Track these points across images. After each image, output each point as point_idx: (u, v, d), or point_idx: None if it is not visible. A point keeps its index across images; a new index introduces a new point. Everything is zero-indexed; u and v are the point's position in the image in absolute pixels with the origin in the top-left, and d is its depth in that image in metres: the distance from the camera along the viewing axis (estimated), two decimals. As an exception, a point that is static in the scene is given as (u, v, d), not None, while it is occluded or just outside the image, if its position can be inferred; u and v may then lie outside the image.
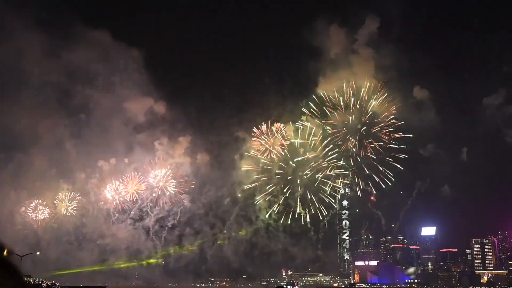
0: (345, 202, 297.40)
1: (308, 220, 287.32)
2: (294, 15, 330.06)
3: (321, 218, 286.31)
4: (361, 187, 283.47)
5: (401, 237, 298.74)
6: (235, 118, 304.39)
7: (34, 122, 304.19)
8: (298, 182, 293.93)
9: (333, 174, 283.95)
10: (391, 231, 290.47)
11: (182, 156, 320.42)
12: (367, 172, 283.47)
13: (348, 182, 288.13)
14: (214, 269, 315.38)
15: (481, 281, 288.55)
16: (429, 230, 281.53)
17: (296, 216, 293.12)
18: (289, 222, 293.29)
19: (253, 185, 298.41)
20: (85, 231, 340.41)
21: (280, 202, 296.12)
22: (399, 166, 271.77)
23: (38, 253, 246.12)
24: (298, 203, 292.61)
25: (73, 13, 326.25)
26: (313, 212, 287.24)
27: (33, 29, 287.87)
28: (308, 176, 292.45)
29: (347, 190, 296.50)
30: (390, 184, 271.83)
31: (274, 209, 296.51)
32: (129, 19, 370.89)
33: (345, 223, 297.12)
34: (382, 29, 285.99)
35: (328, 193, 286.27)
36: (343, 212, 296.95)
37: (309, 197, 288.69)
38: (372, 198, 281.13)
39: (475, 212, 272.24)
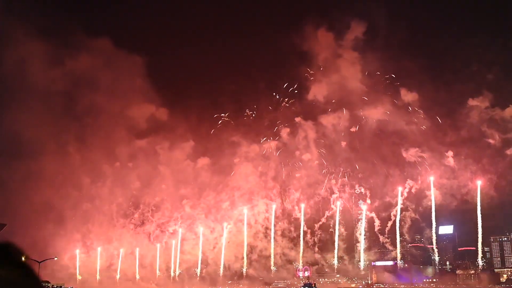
0: (361, 203, 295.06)
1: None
2: (283, 20, 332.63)
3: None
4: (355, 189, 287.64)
5: (418, 236, 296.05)
6: (232, 123, 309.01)
7: (41, 130, 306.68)
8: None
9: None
10: (383, 232, 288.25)
11: (183, 161, 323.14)
12: (359, 175, 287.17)
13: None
14: (215, 273, 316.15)
15: (501, 279, 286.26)
16: (446, 229, 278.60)
17: (293, 219, 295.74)
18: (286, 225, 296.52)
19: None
20: (91, 237, 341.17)
21: (277, 205, 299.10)
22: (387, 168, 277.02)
23: (56, 258, 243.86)
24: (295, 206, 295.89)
25: (74, 21, 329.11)
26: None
27: (36, 38, 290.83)
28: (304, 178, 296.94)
29: (362, 190, 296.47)
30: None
31: (272, 212, 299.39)
32: (130, 26, 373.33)
33: (361, 223, 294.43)
34: (367, 33, 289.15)
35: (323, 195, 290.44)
36: (359, 212, 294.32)
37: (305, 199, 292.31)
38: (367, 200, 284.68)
39: (492, 210, 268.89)
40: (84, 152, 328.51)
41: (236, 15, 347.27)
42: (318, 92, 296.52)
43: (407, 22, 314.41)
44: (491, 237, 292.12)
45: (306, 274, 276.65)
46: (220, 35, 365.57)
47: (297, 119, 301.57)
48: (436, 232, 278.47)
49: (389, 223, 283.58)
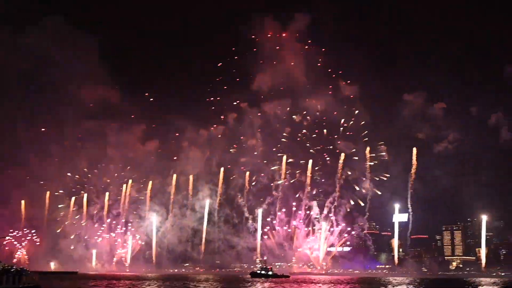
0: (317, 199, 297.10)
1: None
2: (230, 8, 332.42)
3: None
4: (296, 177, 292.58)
5: (374, 224, 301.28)
6: (183, 109, 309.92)
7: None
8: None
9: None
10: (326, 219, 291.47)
11: (133, 144, 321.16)
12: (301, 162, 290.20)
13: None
14: (160, 256, 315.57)
15: (450, 267, 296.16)
16: (401, 217, 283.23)
17: (235, 205, 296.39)
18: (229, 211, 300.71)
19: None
20: (36, 217, 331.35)
21: (221, 191, 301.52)
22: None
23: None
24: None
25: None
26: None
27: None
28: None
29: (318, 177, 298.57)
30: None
31: (215, 197, 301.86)
32: (85, 6, 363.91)
33: (316, 209, 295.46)
34: (311, 26, 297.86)
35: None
36: (316, 198, 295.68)
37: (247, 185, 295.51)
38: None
39: (445, 200, 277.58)
40: (33, 130, 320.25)
41: (186, 3, 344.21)
42: (263, 80, 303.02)
43: (350, 17, 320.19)
44: (443, 226, 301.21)
45: (265, 258, 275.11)
46: (170, 22, 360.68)
47: (243, 105, 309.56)
48: (391, 220, 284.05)
49: (337, 210, 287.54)
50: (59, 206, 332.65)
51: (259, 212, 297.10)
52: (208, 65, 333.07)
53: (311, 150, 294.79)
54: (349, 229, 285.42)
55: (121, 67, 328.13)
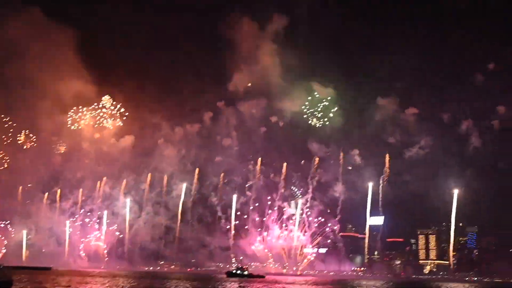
0: (294, 188, 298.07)
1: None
2: (207, 7, 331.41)
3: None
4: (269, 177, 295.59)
5: (350, 226, 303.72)
6: (158, 106, 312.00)
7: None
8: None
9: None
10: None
11: (108, 140, 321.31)
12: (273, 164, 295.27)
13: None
14: (131, 252, 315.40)
15: (424, 270, 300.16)
16: (377, 220, 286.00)
17: (208, 204, 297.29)
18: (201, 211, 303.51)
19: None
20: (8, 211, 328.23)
21: (195, 190, 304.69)
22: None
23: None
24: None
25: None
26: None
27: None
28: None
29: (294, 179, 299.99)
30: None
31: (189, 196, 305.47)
32: None
33: (290, 210, 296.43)
34: (288, 27, 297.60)
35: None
36: (290, 199, 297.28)
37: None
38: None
39: (418, 204, 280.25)
40: (7, 122, 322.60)
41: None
42: (239, 80, 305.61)
43: (327, 20, 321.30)
44: (418, 230, 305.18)
45: (241, 258, 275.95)
46: (148, 20, 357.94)
47: (220, 104, 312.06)
48: (366, 222, 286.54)
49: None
50: (32, 200, 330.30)
51: (234, 198, 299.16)
52: (185, 63, 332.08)
53: (284, 152, 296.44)
54: (327, 229, 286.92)
55: (97, 61, 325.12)
